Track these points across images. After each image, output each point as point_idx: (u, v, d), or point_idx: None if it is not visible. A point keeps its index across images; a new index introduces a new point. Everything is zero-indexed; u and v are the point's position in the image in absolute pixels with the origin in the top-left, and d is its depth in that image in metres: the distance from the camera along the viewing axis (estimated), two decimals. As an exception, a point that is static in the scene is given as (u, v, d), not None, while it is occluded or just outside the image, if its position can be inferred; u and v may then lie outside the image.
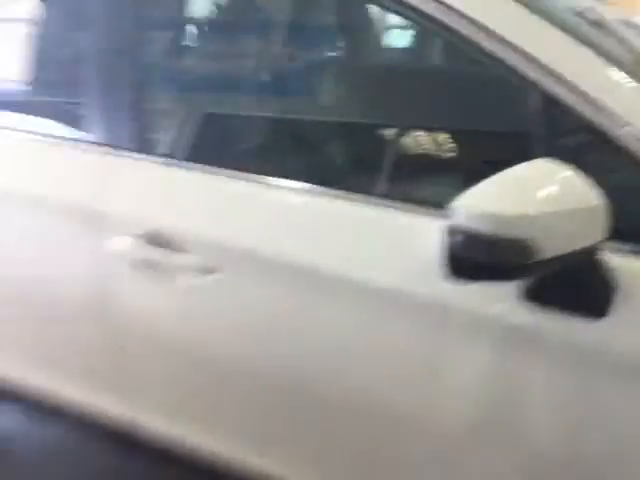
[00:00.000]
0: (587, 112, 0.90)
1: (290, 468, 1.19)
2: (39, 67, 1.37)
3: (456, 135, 1.14)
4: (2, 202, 1.39)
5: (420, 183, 1.11)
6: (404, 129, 1.17)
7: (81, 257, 1.29)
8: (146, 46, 1.29)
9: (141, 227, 1.19)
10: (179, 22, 1.43)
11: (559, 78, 0.91)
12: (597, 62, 0.95)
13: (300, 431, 1.18)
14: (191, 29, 1.48)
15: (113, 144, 1.25)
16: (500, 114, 1.06)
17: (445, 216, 0.82)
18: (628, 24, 1.32)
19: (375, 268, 1.02)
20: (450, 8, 0.98)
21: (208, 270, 1.14)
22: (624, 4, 1.72)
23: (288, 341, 1.12)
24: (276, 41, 1.34)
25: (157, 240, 1.17)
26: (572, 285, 0.86)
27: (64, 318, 1.39)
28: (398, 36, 1.62)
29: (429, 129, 1.15)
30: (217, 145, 1.28)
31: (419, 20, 1.07)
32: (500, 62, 0.96)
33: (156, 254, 1.18)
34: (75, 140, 1.32)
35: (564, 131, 0.99)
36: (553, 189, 0.80)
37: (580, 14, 1.14)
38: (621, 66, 0.96)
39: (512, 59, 0.94)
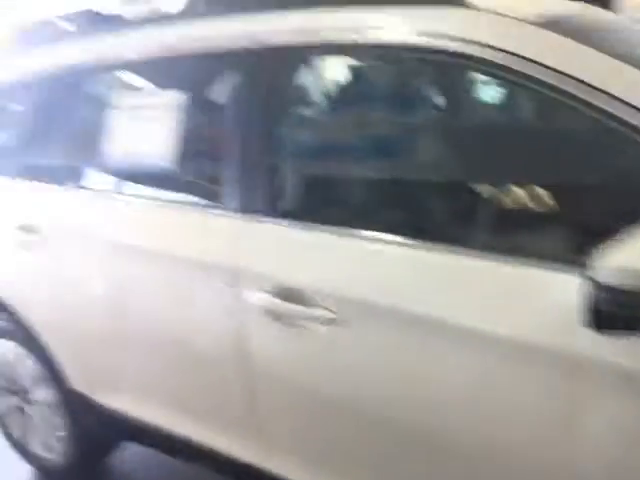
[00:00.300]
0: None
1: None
2: (181, 144, 1.56)
3: (569, 190, 1.17)
4: (153, 261, 1.59)
5: (535, 236, 1.16)
6: (519, 185, 1.21)
7: (219, 309, 1.45)
8: (275, 124, 1.44)
9: (274, 282, 1.33)
10: (304, 102, 1.61)
11: None
12: None
13: None
14: (314, 106, 1.66)
15: (247, 210, 1.41)
16: (605, 168, 1.11)
17: (572, 270, 0.90)
18: None
19: (504, 320, 1.08)
20: (553, 69, 1.06)
21: (335, 322, 1.25)
22: None
23: (418, 391, 1.19)
24: (390, 110, 1.48)
25: (288, 294, 1.31)
26: None
27: (202, 365, 1.55)
28: (496, 92, 1.69)
29: (542, 184, 1.19)
30: (341, 207, 1.41)
31: (523, 82, 1.12)
32: (606, 116, 1.01)
33: (287, 307, 1.31)
34: (214, 206, 1.49)
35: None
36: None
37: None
38: None
39: (618, 113, 1.00)
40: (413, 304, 1.17)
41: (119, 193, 1.73)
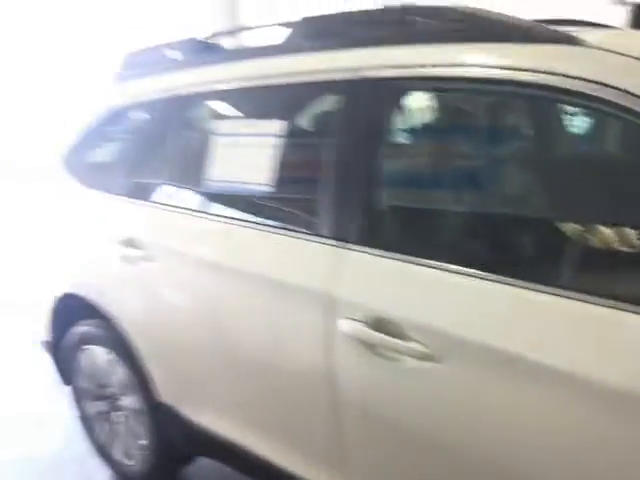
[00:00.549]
0: None
1: None
2: (281, 171, 1.63)
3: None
4: (249, 284, 1.64)
5: (627, 278, 1.14)
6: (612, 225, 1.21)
7: (311, 335, 1.48)
8: (375, 155, 1.46)
9: (369, 313, 1.36)
10: (405, 134, 1.65)
11: None
12: None
13: None
14: (415, 138, 1.69)
15: (345, 238, 1.44)
16: None
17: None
18: None
19: (606, 367, 1.07)
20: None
21: (429, 356, 1.27)
22: None
23: (506, 432, 1.19)
24: (492, 145, 1.49)
25: (382, 325, 1.33)
26: None
27: (289, 389, 1.58)
28: (586, 125, 1.68)
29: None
30: (438, 240, 1.43)
31: (617, 114, 1.13)
32: None
33: (381, 338, 1.33)
34: (311, 233, 1.53)
35: None
36: None
37: None
38: None
39: None
40: (508, 344, 1.17)
41: (219, 216, 1.80)
